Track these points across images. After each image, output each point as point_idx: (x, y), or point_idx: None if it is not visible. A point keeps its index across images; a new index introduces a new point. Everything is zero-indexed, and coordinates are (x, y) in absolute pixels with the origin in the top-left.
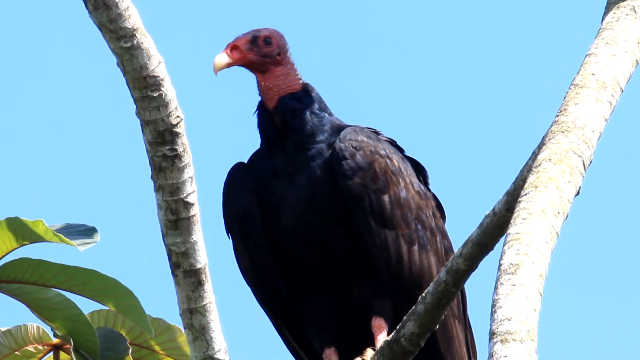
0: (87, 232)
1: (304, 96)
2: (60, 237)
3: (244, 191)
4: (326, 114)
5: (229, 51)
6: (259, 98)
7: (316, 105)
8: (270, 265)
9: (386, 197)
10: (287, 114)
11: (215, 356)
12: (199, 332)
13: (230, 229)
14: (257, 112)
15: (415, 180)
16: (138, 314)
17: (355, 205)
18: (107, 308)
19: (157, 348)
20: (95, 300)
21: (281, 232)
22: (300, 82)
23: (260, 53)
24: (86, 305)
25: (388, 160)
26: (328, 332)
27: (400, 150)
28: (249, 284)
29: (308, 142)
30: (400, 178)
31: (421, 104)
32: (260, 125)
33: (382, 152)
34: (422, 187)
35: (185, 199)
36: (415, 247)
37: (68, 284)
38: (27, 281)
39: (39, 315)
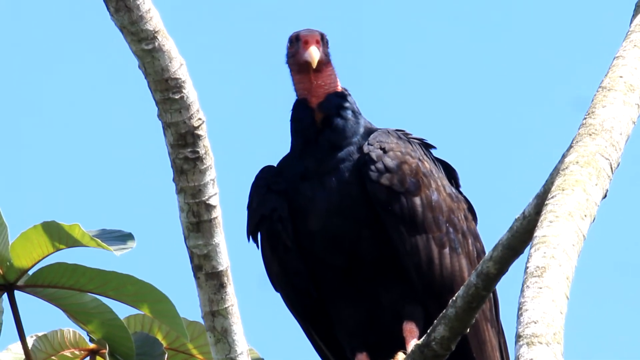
0: (123, 237)
1: (347, 96)
2: (97, 242)
3: (273, 193)
4: (362, 117)
5: (317, 47)
6: (297, 97)
7: (356, 107)
8: (300, 269)
9: (417, 200)
10: (333, 110)
11: (237, 359)
12: (221, 334)
13: (254, 231)
14: (295, 111)
15: (446, 182)
16: (173, 318)
17: (384, 209)
18: (142, 313)
19: (194, 352)
20: (130, 305)
21: (309, 235)
22: (340, 84)
23: (325, 51)
24: (122, 310)
25: (419, 162)
26: (359, 337)
27: (431, 149)
28: (277, 289)
29: (342, 142)
30: (432, 180)
31: (450, 106)
32: (299, 123)
33: (413, 153)
34: (453, 189)
35: (207, 202)
36: (447, 250)
37: (104, 288)
38: (63, 286)
39: (75, 320)
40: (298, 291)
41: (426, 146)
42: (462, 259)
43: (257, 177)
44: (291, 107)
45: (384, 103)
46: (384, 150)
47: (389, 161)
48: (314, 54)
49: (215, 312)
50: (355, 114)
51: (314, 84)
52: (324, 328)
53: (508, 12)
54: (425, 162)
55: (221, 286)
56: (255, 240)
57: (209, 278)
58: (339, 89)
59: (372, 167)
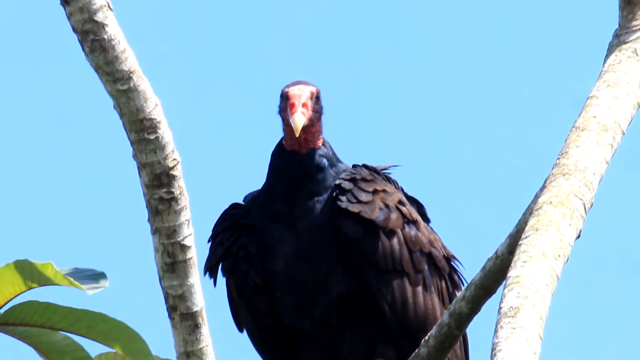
0: (95, 276)
1: (328, 150)
2: (70, 281)
3: (240, 229)
4: (340, 164)
5: (304, 110)
6: (283, 142)
7: (334, 159)
8: (267, 309)
9: (389, 236)
10: (313, 168)
11: None
12: None
13: (214, 265)
14: (280, 156)
15: (418, 216)
16: (146, 356)
17: (355, 247)
18: (114, 351)
19: None
20: (103, 344)
21: (273, 276)
22: (322, 136)
23: (315, 109)
24: (94, 349)
25: (388, 195)
26: None
27: (400, 188)
28: (242, 329)
29: (322, 190)
30: (407, 213)
31: (450, 106)
32: (284, 170)
33: (386, 187)
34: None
35: (182, 242)
36: (420, 289)
37: (76, 326)
38: (34, 324)
39: (47, 358)
40: (265, 331)
41: (394, 182)
42: (434, 297)
43: (225, 212)
44: (275, 148)
45: (383, 102)
46: (353, 181)
47: (360, 192)
48: (297, 120)
49: (190, 353)
50: (335, 165)
51: (300, 140)
52: None
53: (508, 12)
54: (396, 195)
55: (196, 327)
56: (213, 276)
57: (184, 319)
58: (320, 143)
59: (342, 198)
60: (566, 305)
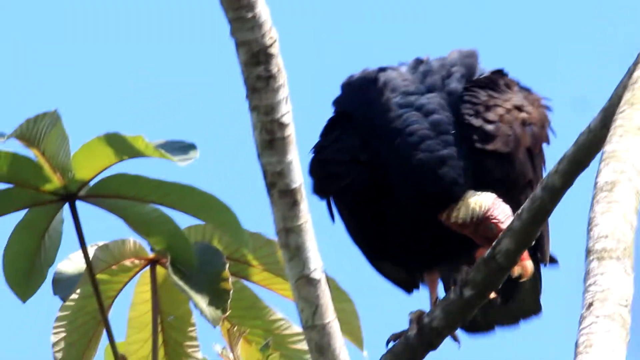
0: (186, 148)
1: None
2: (161, 153)
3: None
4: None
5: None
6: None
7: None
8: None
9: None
10: None
11: (310, 275)
12: (295, 251)
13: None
14: None
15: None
16: (235, 229)
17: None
18: (203, 223)
19: (254, 263)
20: (192, 216)
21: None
22: None
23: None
24: (184, 221)
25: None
26: (425, 260)
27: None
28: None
29: None
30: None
31: None
32: None
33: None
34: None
35: (280, 120)
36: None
37: (165, 199)
38: (124, 196)
39: (136, 230)
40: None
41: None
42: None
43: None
44: None
45: None
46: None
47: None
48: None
49: (289, 229)
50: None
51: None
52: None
53: (508, 12)
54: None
55: (294, 203)
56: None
57: (283, 195)
58: None
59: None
60: None
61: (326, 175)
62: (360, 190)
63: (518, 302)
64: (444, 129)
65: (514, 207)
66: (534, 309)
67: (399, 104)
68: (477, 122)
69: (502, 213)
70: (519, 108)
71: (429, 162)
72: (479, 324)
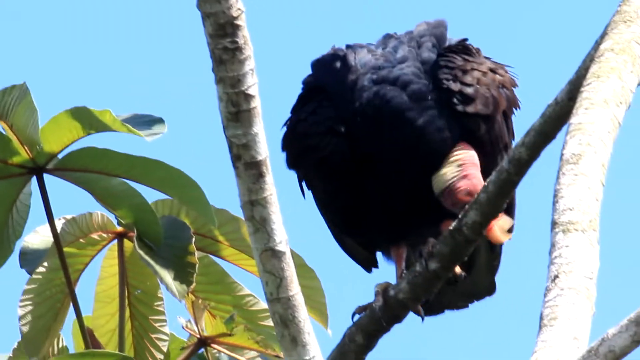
0: (153, 122)
1: None
2: (128, 127)
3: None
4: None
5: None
6: None
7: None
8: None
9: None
10: None
11: (276, 248)
12: (260, 224)
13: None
14: None
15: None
16: (202, 204)
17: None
18: (170, 198)
19: (220, 238)
20: (159, 190)
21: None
22: None
23: None
24: (150, 195)
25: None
26: (394, 234)
27: None
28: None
29: None
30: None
31: None
32: None
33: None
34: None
35: (246, 91)
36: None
37: (132, 173)
38: (92, 170)
39: (104, 203)
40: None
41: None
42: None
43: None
44: None
45: None
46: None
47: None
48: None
49: (254, 202)
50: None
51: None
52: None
53: (508, 12)
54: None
55: (260, 176)
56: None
57: (248, 168)
58: None
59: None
60: None
61: (303, 148)
62: (338, 161)
63: (471, 283)
64: (422, 96)
65: (492, 170)
66: (489, 288)
67: (372, 79)
68: (455, 86)
69: (474, 175)
70: (493, 71)
71: (414, 131)
72: (432, 305)
